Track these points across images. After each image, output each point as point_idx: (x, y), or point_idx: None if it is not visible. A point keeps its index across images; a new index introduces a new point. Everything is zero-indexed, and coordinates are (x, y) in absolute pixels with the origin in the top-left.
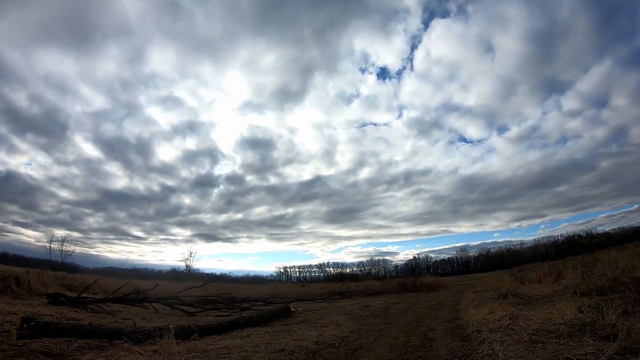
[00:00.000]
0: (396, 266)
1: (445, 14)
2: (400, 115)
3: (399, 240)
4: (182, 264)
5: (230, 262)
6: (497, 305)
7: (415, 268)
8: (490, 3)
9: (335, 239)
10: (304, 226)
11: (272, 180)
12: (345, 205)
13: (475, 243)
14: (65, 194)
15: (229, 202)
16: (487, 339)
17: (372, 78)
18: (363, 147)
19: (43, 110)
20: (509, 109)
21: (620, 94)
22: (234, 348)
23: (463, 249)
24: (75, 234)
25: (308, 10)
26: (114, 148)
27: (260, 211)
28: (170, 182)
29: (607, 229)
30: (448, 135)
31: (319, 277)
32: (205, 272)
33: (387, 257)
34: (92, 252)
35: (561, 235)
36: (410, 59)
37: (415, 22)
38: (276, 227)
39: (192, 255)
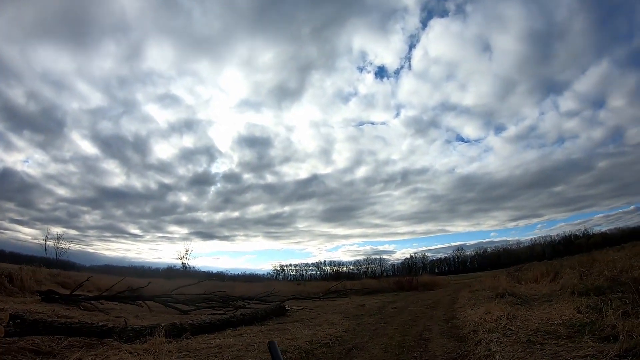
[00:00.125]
0: (393, 265)
1: (443, 14)
2: (397, 114)
3: (396, 239)
4: (179, 262)
5: (227, 260)
6: (494, 305)
7: (412, 267)
8: (489, 3)
9: (332, 237)
10: (301, 224)
11: (269, 178)
12: (342, 204)
13: (471, 242)
14: (62, 191)
15: (226, 200)
16: (484, 340)
17: (370, 77)
18: (360, 145)
19: (40, 107)
20: (507, 108)
21: (617, 95)
22: (225, 347)
23: (460, 248)
24: (72, 232)
25: (306, 8)
26: (111, 145)
27: (257, 209)
28: (167, 180)
29: (603, 229)
30: (445, 134)
31: (315, 275)
32: (202, 270)
33: (384, 256)
34: (89, 249)
35: (558, 235)
36: (408, 58)
37: (413, 21)
38: (273, 225)
39: (189, 253)
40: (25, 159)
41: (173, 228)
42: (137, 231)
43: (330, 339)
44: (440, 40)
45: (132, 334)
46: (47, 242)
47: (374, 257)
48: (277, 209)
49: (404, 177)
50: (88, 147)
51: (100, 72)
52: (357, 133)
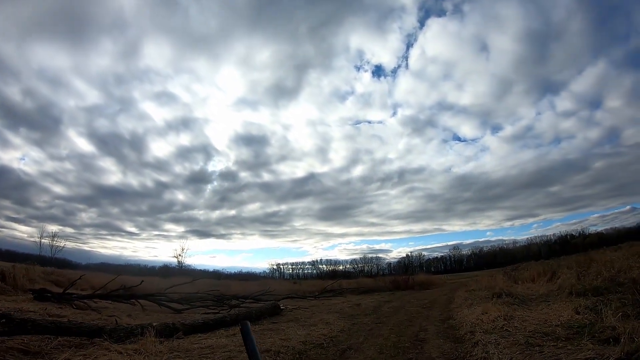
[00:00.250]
0: (389, 264)
1: (441, 13)
2: (394, 114)
3: (392, 238)
4: (175, 260)
5: (223, 259)
6: (490, 305)
7: (408, 266)
8: (486, 2)
9: (329, 236)
10: (297, 223)
11: (266, 177)
12: (338, 203)
13: (468, 241)
14: (58, 189)
15: (223, 198)
16: (481, 341)
17: (367, 76)
18: (357, 144)
19: (36, 105)
20: (503, 108)
21: (614, 96)
22: (218, 347)
23: (456, 247)
24: (69, 230)
25: (304, 6)
26: (108, 143)
27: (253, 208)
28: (163, 178)
29: (599, 229)
30: (442, 133)
31: (311, 274)
32: (198, 269)
33: (380, 255)
34: (85, 247)
35: (554, 234)
36: (405, 57)
37: (411, 21)
38: (269, 223)
39: (184, 251)
40: (21, 156)
41: (169, 226)
42: (133, 229)
43: (324, 339)
44: (437, 39)
45: (122, 334)
46: (43, 240)
47: (370, 255)
48: (274, 208)
49: (401, 176)
50: (84, 145)
51: (97, 70)
52: (354, 132)
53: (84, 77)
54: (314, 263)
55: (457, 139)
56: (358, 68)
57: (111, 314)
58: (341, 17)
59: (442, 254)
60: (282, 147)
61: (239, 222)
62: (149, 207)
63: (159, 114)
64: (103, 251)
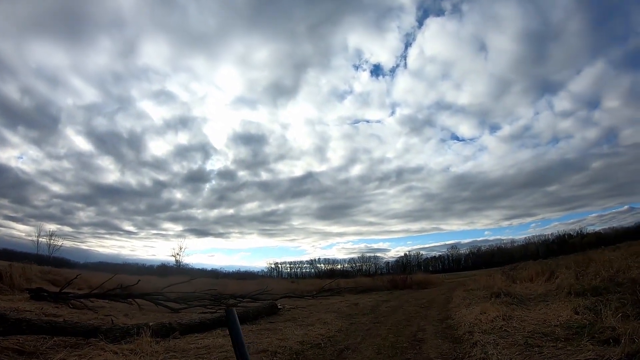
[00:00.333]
0: (387, 263)
1: (439, 13)
2: (393, 113)
3: (390, 237)
4: (173, 259)
5: (221, 258)
6: (489, 305)
7: (406, 265)
8: (485, 2)
9: (327, 235)
10: (296, 222)
11: (264, 175)
12: (336, 202)
13: (466, 241)
14: (56, 188)
15: (221, 197)
16: (480, 342)
17: (365, 75)
18: (355, 143)
19: (34, 103)
20: (502, 108)
21: (612, 96)
22: (214, 348)
23: (454, 246)
24: (67, 229)
25: (302, 5)
26: (106, 142)
27: (251, 207)
28: (162, 177)
29: (597, 228)
30: (440, 133)
31: (309, 273)
32: (196, 268)
33: (378, 254)
34: (83, 246)
35: (552, 234)
36: (404, 56)
37: (409, 20)
38: (267, 222)
39: (182, 250)
40: (19, 155)
41: (167, 225)
42: (131, 228)
43: (322, 339)
44: (436, 39)
45: (118, 334)
46: (40, 239)
47: (368, 255)
48: (272, 207)
49: (399, 175)
50: (82, 144)
51: (95, 68)
52: (352, 131)
53: (82, 75)
54: (312, 262)
55: (455, 138)
56: (356, 67)
57: (108, 314)
58: (340, 16)
59: (440, 253)
60: (280, 146)
61: (237, 221)
62: (147, 206)
63: (157, 112)
64: (101, 250)
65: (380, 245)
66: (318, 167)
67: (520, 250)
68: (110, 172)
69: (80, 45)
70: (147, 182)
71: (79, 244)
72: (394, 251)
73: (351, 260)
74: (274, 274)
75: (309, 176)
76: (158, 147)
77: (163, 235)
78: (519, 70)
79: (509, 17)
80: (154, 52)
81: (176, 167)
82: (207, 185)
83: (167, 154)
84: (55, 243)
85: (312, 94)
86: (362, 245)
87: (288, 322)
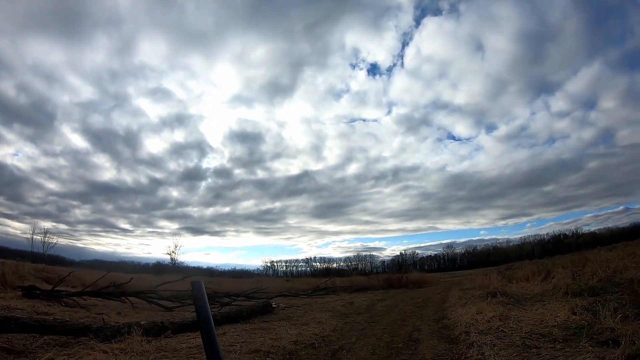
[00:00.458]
0: (383, 262)
1: (437, 12)
2: (389, 112)
3: (386, 236)
4: (168, 257)
5: (217, 256)
6: (485, 305)
7: (402, 264)
8: (483, 2)
9: (323, 233)
10: (291, 220)
11: (260, 174)
12: (332, 201)
13: (461, 240)
14: (52, 185)
15: (217, 195)
16: (477, 342)
17: (362, 74)
18: (351, 142)
19: (30, 100)
20: (498, 108)
21: (608, 97)
22: None
23: (450, 245)
24: (62, 226)
25: (300, 4)
26: (102, 139)
27: (247, 205)
28: (158, 175)
29: (592, 229)
30: (437, 132)
31: (305, 271)
32: (191, 266)
33: (374, 253)
34: (79, 244)
35: (547, 234)
36: (401, 55)
37: (406, 19)
38: (263, 221)
39: (178, 248)
40: (15, 152)
41: (163, 223)
42: (127, 226)
43: (316, 339)
44: (433, 38)
45: (109, 333)
46: (35, 237)
47: (364, 253)
48: (268, 205)
49: (395, 174)
50: (78, 141)
51: (91, 65)
52: (349, 130)
53: (78, 72)
54: (307, 261)
55: (452, 137)
56: (353, 66)
57: (100, 312)
58: (337, 15)
59: (435, 253)
60: (276, 144)
61: (233, 220)
62: (143, 203)
63: (153, 110)
64: (97, 248)
65: (376, 244)
66: (314, 166)
67: (516, 249)
68: (106, 170)
69: (77, 43)
70: (143, 180)
71: (74, 241)
72: (390, 250)
73: (347, 259)
74: (269, 273)
75: (305, 175)
76: (154, 144)
77: (159, 233)
78: (516, 70)
79: (506, 17)
80: (151, 49)
81: (172, 165)
82: (203, 183)
83: (163, 151)
84: (50, 241)
85: (308, 93)
86: (358, 244)
87: (282, 321)
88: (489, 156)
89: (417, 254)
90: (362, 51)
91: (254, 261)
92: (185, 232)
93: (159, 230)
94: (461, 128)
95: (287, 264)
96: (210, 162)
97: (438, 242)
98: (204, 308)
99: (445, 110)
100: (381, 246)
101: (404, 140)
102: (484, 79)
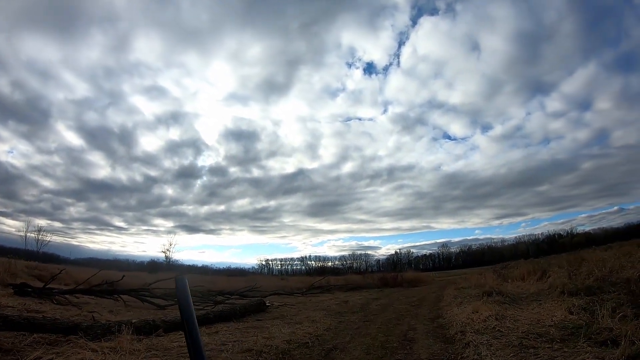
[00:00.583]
0: (378, 260)
1: (433, 12)
2: (385, 111)
3: (381, 234)
4: (163, 255)
5: (212, 254)
6: (481, 304)
7: (397, 263)
8: (479, 2)
9: (318, 232)
10: (287, 219)
11: (255, 172)
12: (327, 199)
13: (456, 239)
14: (46, 183)
15: (212, 193)
16: (473, 342)
17: (358, 73)
18: (347, 141)
19: (25, 97)
20: (494, 108)
21: (604, 97)
22: None
23: (444, 245)
24: (57, 224)
25: (296, 2)
26: (97, 137)
27: (242, 203)
28: (152, 173)
29: (587, 229)
30: (432, 132)
31: (300, 270)
32: (186, 264)
33: (369, 252)
34: (74, 242)
35: (542, 234)
36: (397, 55)
37: (403, 19)
38: (258, 219)
39: (172, 246)
40: (9, 149)
41: (158, 221)
42: (121, 224)
43: (309, 338)
44: (429, 38)
45: (99, 331)
46: (28, 234)
47: (359, 252)
48: (263, 203)
49: (390, 173)
50: (73, 139)
51: (86, 63)
52: (344, 129)
53: (73, 69)
54: (302, 259)
55: (447, 137)
56: (349, 65)
57: (92, 310)
58: (333, 14)
59: (430, 252)
60: (272, 142)
61: (228, 218)
62: (138, 201)
63: (148, 108)
64: (91, 246)
65: (371, 243)
66: (309, 164)
67: (511, 249)
68: (101, 168)
69: (72, 40)
70: (138, 178)
71: (69, 239)
72: (385, 249)
73: (342, 258)
74: (264, 271)
75: (300, 173)
76: (149, 142)
77: (154, 231)
78: (512, 70)
79: (503, 17)
80: (146, 47)
81: (167, 163)
82: (198, 182)
83: (158, 149)
84: (44, 238)
85: (304, 91)
86: (353, 243)
87: (276, 319)
88: (484, 156)
89: (412, 253)
90: (358, 50)
91: (249, 259)
92: (180, 230)
93: (154, 228)
94: (456, 128)
95: (282, 263)
96: (206, 160)
97: (433, 241)
98: (188, 305)
99: (440, 110)
100: (376, 245)
101: (399, 139)
102: (480, 78)
